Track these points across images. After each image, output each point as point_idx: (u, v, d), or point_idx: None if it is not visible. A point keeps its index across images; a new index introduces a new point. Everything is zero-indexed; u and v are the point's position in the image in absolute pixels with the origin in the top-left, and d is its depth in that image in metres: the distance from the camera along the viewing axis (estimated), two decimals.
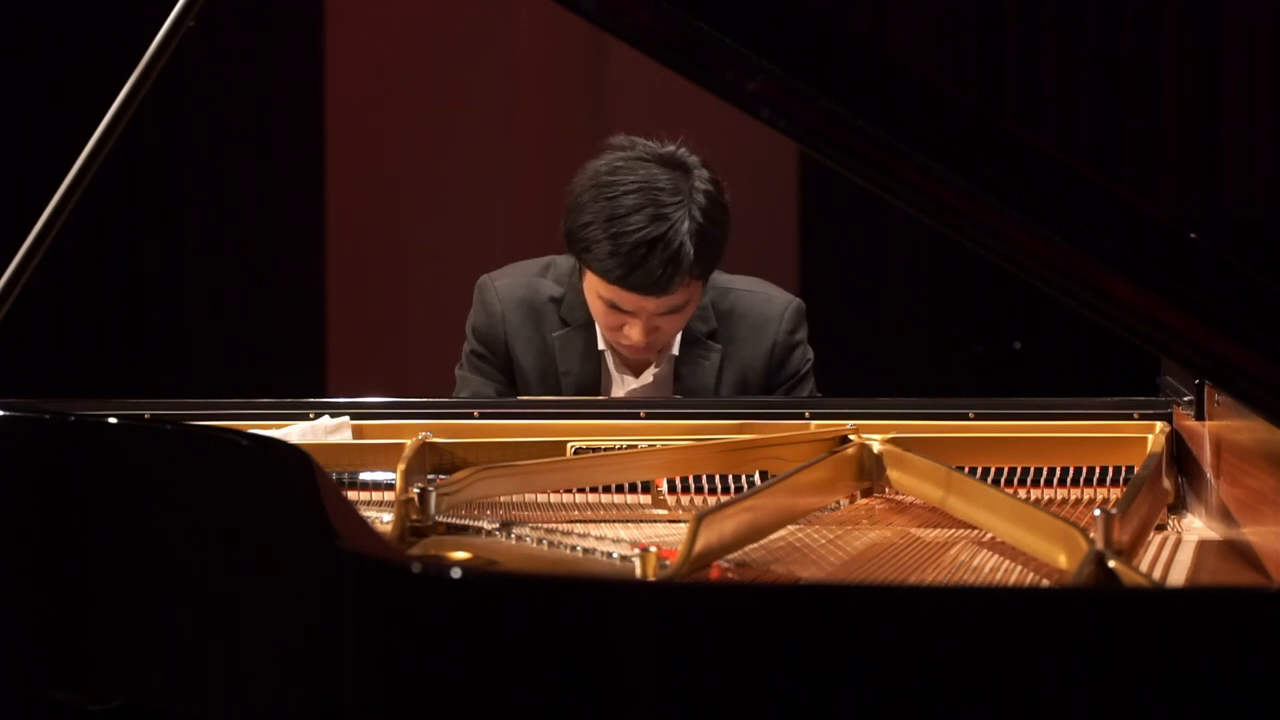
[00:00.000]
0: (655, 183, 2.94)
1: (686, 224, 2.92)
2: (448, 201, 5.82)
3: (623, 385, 3.10)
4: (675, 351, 3.08)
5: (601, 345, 3.08)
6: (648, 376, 3.09)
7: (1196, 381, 2.43)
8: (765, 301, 3.15)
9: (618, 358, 3.10)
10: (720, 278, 3.14)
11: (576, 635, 1.66)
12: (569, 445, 2.58)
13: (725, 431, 2.62)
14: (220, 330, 5.96)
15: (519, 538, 2.29)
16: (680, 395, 3.07)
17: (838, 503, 2.50)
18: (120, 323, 5.95)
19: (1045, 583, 2.07)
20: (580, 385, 3.08)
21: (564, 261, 3.11)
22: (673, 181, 2.95)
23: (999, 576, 2.13)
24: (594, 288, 3.00)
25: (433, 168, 5.89)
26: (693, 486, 2.54)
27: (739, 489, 2.52)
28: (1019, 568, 2.15)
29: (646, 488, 2.54)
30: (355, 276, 5.95)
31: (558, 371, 3.08)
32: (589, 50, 5.99)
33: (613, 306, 2.98)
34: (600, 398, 3.06)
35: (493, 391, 3.09)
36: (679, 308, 2.99)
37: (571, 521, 2.43)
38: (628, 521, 2.47)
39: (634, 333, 2.99)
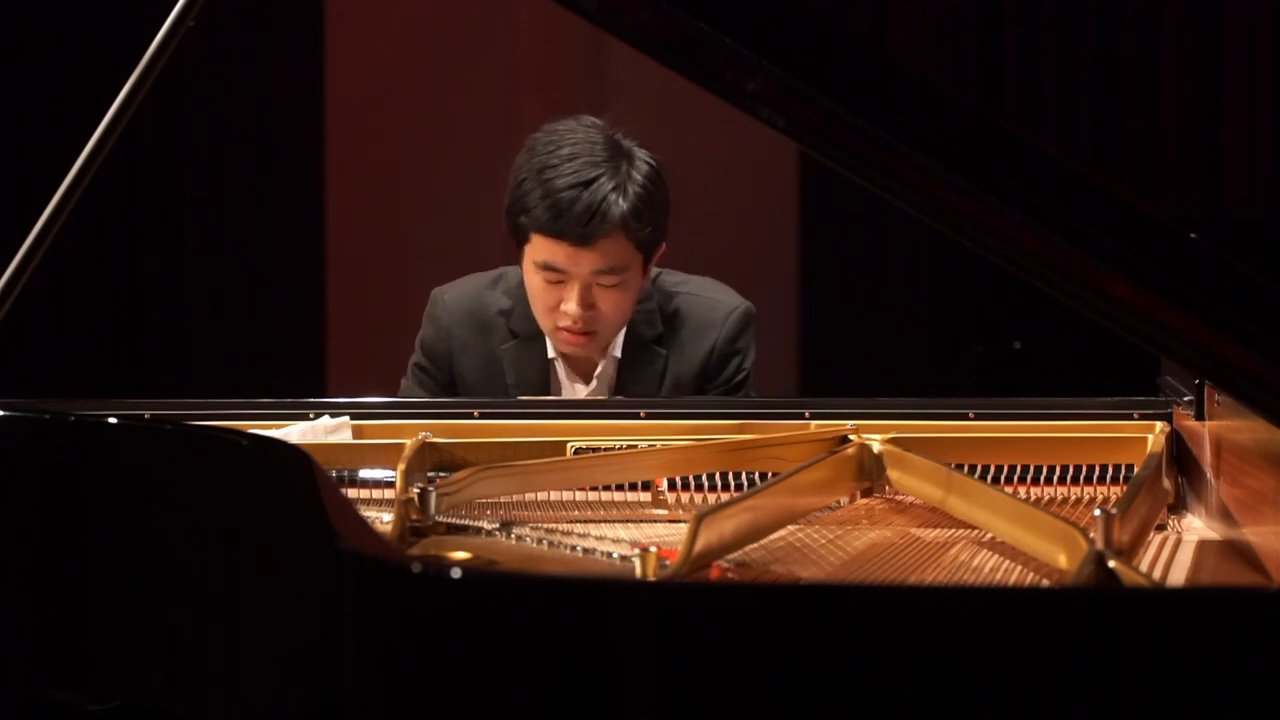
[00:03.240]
0: (592, 144, 3.00)
1: (618, 179, 2.97)
2: (448, 201, 5.82)
3: (573, 393, 3.11)
4: (618, 354, 3.09)
5: (551, 353, 3.09)
6: (595, 382, 3.09)
7: (1196, 381, 2.43)
8: (710, 306, 3.15)
9: (567, 366, 3.10)
10: (670, 279, 3.17)
11: (576, 635, 1.66)
12: (569, 445, 2.58)
13: (725, 431, 2.62)
14: (220, 330, 5.96)
15: (519, 538, 2.29)
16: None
17: (838, 503, 2.50)
18: (120, 323, 5.95)
19: (1045, 583, 2.07)
20: (533, 394, 3.08)
21: (514, 273, 3.13)
22: (609, 149, 3.01)
23: (999, 576, 2.13)
24: (531, 261, 3.01)
25: (433, 168, 5.89)
26: (693, 486, 2.55)
27: (739, 489, 2.52)
28: (1019, 568, 2.15)
29: (646, 487, 2.54)
30: (355, 276, 5.95)
31: (505, 384, 3.09)
32: (589, 50, 5.99)
33: (548, 269, 2.99)
34: (600, 398, 3.07)
35: None
36: (615, 271, 2.99)
37: (571, 521, 2.43)
38: (628, 521, 2.47)
39: (571, 302, 2.99)
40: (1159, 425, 2.56)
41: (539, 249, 2.99)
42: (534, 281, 3.03)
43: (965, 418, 2.63)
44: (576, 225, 2.95)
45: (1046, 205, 1.90)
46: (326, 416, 2.67)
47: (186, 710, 2.05)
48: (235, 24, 5.86)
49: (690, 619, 1.65)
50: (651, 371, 3.10)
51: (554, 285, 3.00)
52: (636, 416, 2.67)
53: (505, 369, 3.10)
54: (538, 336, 3.10)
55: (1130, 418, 2.59)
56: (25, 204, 5.49)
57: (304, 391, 4.83)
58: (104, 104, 2.50)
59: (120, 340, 5.96)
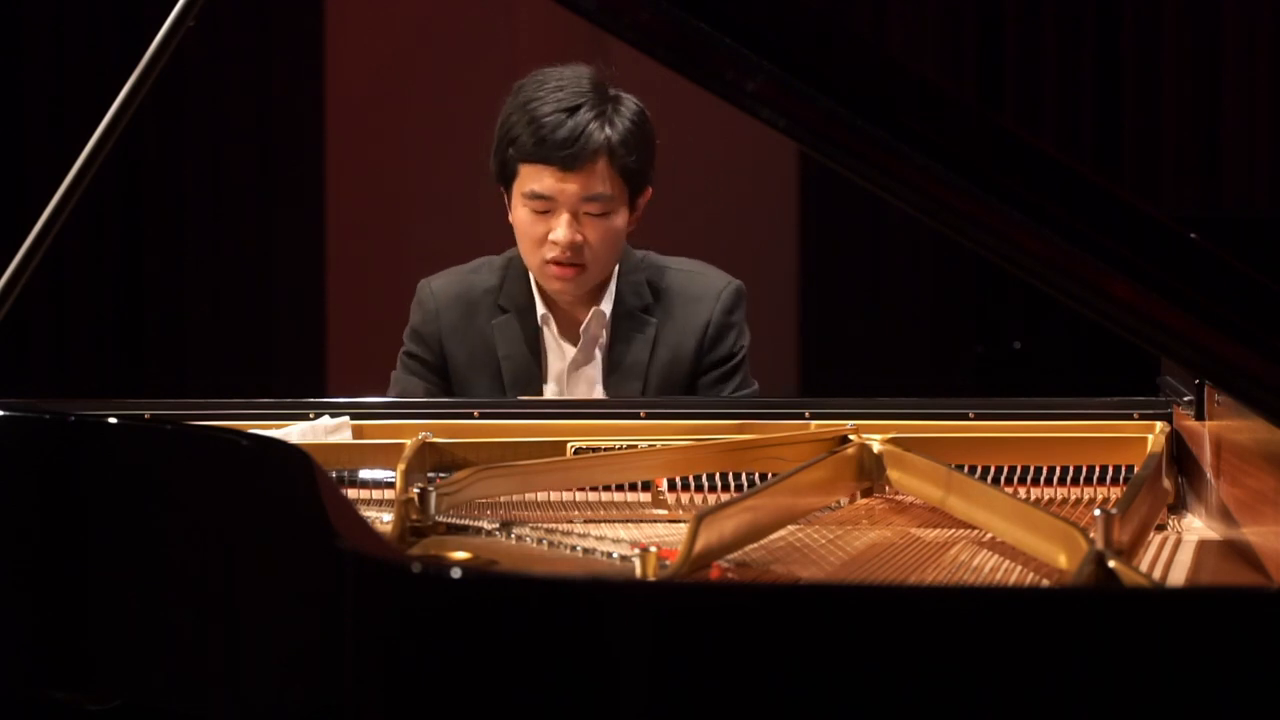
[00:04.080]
0: (579, 78, 3.07)
1: (603, 108, 3.03)
2: (448, 201, 5.82)
3: (563, 355, 3.12)
4: (606, 310, 3.10)
5: (541, 311, 3.11)
6: (582, 338, 3.10)
7: (1196, 381, 2.43)
8: (703, 280, 3.18)
9: (557, 326, 3.12)
10: (658, 257, 3.19)
11: (576, 635, 1.66)
12: (569, 445, 2.58)
13: (725, 431, 2.62)
14: (220, 330, 5.96)
15: (519, 538, 2.29)
16: (610, 370, 3.10)
17: (838, 503, 2.50)
18: (120, 323, 5.95)
19: (1045, 583, 2.07)
20: (521, 367, 3.11)
21: (496, 258, 3.17)
22: (595, 87, 3.06)
23: (999, 576, 2.13)
24: (519, 195, 3.04)
25: (433, 168, 5.89)
26: (693, 486, 2.54)
27: (739, 489, 2.52)
28: (1019, 568, 2.15)
29: (646, 487, 2.54)
30: (355, 276, 5.95)
31: (497, 360, 3.11)
32: (589, 50, 5.99)
33: (535, 198, 3.02)
34: (600, 398, 3.07)
35: (421, 391, 3.12)
36: (600, 199, 3.02)
37: (571, 521, 2.43)
38: (628, 521, 2.47)
39: (559, 229, 3.01)
40: (1159, 425, 2.56)
41: (526, 179, 3.03)
42: (521, 216, 3.06)
43: (965, 418, 2.63)
44: (562, 148, 2.99)
45: (1046, 205, 1.90)
46: (326, 416, 2.67)
47: (186, 710, 2.05)
48: (235, 24, 5.86)
49: (690, 619, 1.65)
50: (642, 340, 3.11)
51: (541, 216, 3.03)
52: (636, 416, 2.67)
53: (495, 343, 3.11)
54: (527, 308, 3.12)
55: (1130, 418, 2.59)
56: (25, 204, 5.49)
57: (304, 391, 4.83)
58: (104, 104, 2.50)
59: (120, 340, 5.96)
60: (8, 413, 2.20)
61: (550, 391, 3.11)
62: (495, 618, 1.69)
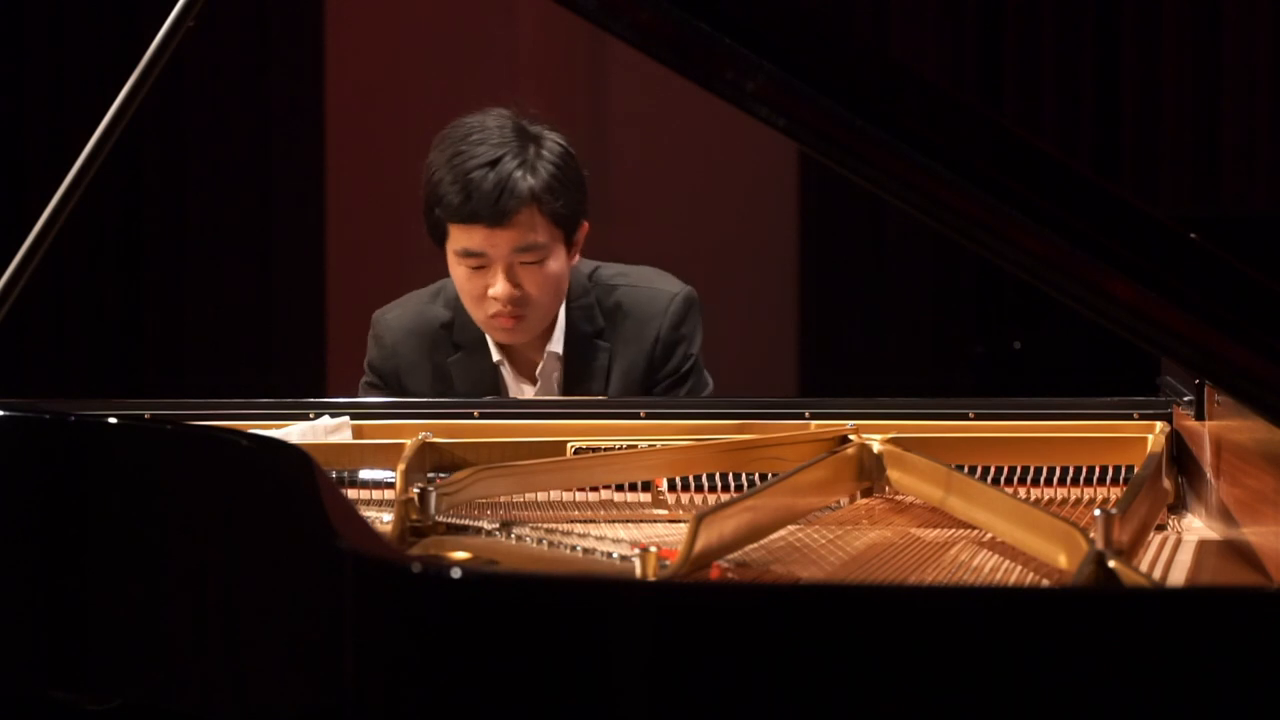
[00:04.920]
0: (501, 128, 3.05)
1: (525, 156, 3.01)
2: None
3: (522, 393, 3.12)
4: (559, 350, 3.10)
5: (496, 357, 3.11)
6: (539, 381, 3.10)
7: (1196, 381, 2.43)
8: (650, 296, 3.17)
9: (513, 368, 3.12)
10: (608, 272, 3.18)
11: (576, 635, 1.66)
12: (569, 445, 2.58)
13: (725, 431, 2.62)
14: (220, 330, 5.96)
15: (519, 538, 2.29)
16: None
17: (838, 503, 2.50)
18: (120, 323, 5.95)
19: (1045, 583, 2.07)
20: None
21: (448, 288, 3.16)
22: (516, 133, 3.04)
23: (999, 576, 2.13)
24: (453, 253, 3.04)
25: None
26: (693, 486, 2.54)
27: (739, 489, 2.52)
28: (1019, 568, 2.15)
29: (646, 487, 2.54)
30: (355, 276, 5.95)
31: (456, 395, 3.09)
32: (589, 50, 5.99)
33: (468, 255, 3.01)
34: (600, 398, 3.07)
35: None
36: (533, 248, 3.00)
37: (571, 521, 2.43)
38: (628, 521, 2.47)
39: (496, 285, 3.01)
40: (1159, 425, 2.56)
41: (457, 238, 3.03)
42: (459, 274, 3.06)
43: (965, 418, 2.63)
44: (487, 204, 2.98)
45: (1046, 205, 1.90)
46: (326, 416, 2.67)
47: (186, 710, 2.05)
48: (235, 24, 5.85)
49: (690, 619, 1.65)
50: (597, 366, 3.12)
51: (478, 273, 3.03)
52: (636, 416, 2.67)
53: (453, 380, 3.11)
54: (481, 345, 3.12)
55: (1130, 418, 2.59)
56: (25, 204, 5.49)
57: (304, 391, 4.83)
58: (104, 104, 2.50)
59: (120, 340, 5.96)
60: (8, 413, 2.20)
61: None
62: (495, 618, 1.69)
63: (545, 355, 3.11)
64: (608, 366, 3.11)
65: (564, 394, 3.11)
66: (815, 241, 5.91)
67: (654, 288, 3.18)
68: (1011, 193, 1.89)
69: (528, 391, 3.12)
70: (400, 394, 3.14)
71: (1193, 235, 1.91)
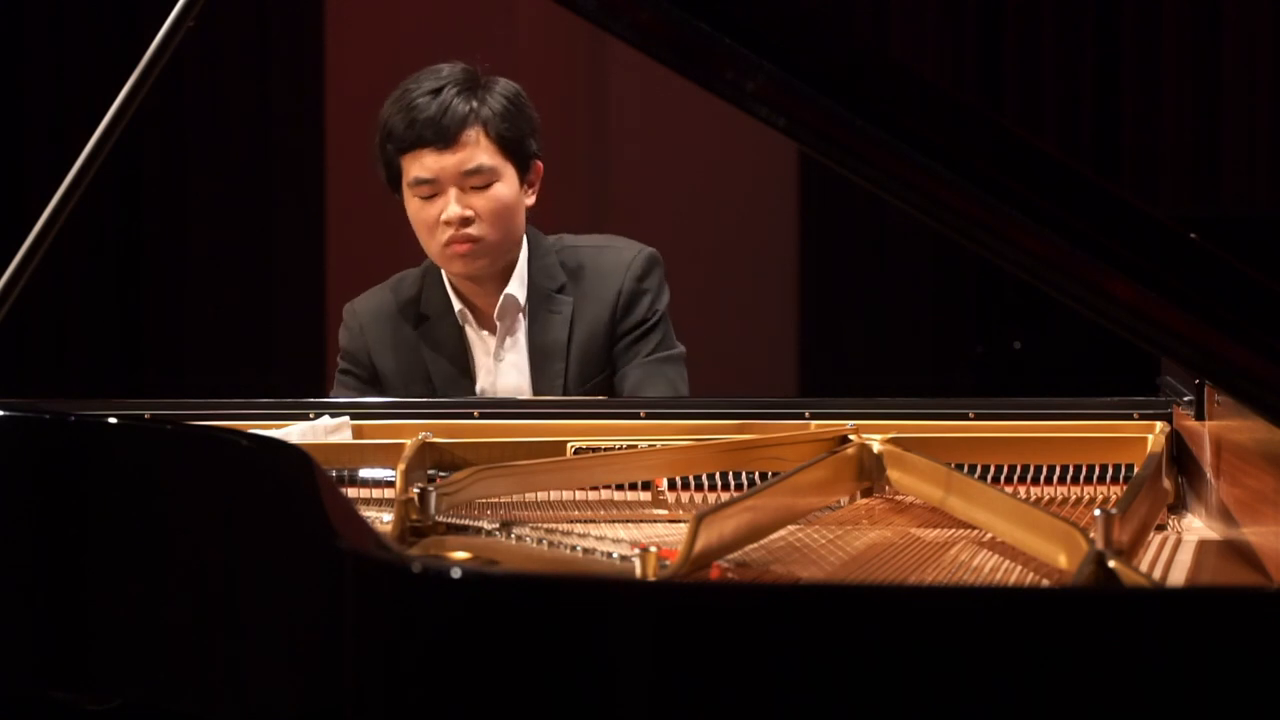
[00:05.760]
0: (453, 70, 3.13)
1: (471, 86, 3.09)
2: None
3: (487, 349, 3.16)
4: (520, 296, 3.14)
5: (458, 306, 3.16)
6: (499, 324, 3.14)
7: (1196, 381, 2.43)
8: (614, 254, 3.22)
9: (474, 318, 3.16)
10: (572, 239, 3.24)
11: (576, 635, 1.66)
12: (569, 445, 2.58)
13: (725, 431, 2.62)
14: (220, 330, 5.96)
15: (519, 538, 2.29)
16: (533, 353, 3.15)
17: (838, 503, 2.50)
18: (120, 323, 5.95)
19: (1045, 583, 2.07)
20: (449, 367, 3.15)
21: (414, 270, 3.23)
22: (466, 74, 3.12)
23: (999, 576, 2.13)
24: (406, 187, 3.10)
25: None
26: (693, 486, 2.55)
27: (739, 489, 2.52)
28: (1019, 568, 2.15)
29: (646, 487, 2.54)
30: (355, 276, 5.95)
31: (426, 366, 3.15)
32: (589, 50, 5.99)
33: (419, 183, 3.08)
34: (600, 397, 3.07)
35: None
36: (481, 171, 3.07)
37: (571, 521, 2.43)
38: (628, 521, 2.47)
39: (448, 210, 3.06)
40: (1159, 425, 2.56)
41: (409, 168, 3.09)
42: (413, 206, 3.12)
43: (965, 418, 2.63)
44: (431, 126, 3.05)
45: (1046, 205, 1.89)
46: (326, 416, 2.67)
47: (186, 710, 2.05)
48: (235, 24, 5.86)
49: (690, 619, 1.65)
50: (559, 320, 3.16)
51: (430, 201, 3.09)
52: (636, 416, 2.67)
53: (422, 350, 3.16)
54: (446, 310, 3.16)
55: (1130, 418, 2.59)
56: (25, 204, 5.49)
57: (304, 391, 4.83)
58: (104, 104, 2.51)
59: (120, 340, 5.96)
60: (8, 413, 2.20)
61: (482, 383, 3.15)
62: (495, 618, 1.69)
63: (503, 297, 3.14)
64: (570, 319, 3.15)
65: (529, 349, 3.15)
66: (815, 241, 5.91)
67: (618, 247, 3.23)
68: (1011, 193, 1.89)
69: (491, 344, 3.16)
70: (372, 375, 3.18)
71: (1193, 235, 1.91)
